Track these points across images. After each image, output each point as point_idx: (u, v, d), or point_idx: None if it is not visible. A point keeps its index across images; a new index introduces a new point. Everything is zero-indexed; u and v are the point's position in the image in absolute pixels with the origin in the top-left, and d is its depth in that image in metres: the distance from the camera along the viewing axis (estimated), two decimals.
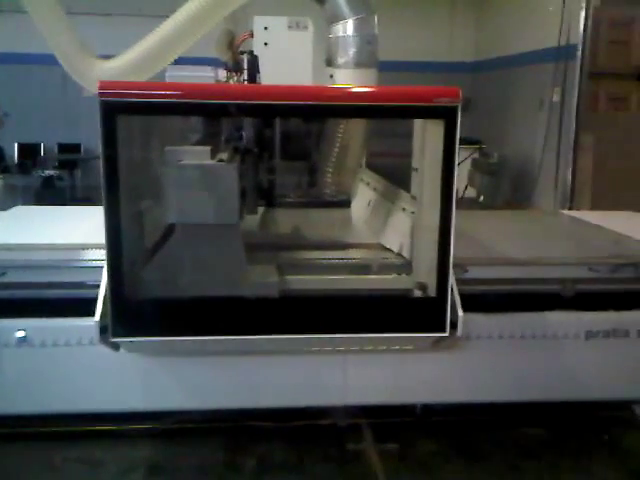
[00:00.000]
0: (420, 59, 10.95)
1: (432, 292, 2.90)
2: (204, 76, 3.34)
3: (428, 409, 3.49)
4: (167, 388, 3.22)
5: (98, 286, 2.82)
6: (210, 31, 3.65)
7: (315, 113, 2.95)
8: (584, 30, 7.91)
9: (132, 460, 3.16)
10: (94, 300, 2.95)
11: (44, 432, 3.28)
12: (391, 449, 3.30)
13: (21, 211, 4.45)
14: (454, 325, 2.86)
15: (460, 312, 2.85)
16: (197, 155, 2.85)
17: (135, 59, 3.40)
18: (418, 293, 3.01)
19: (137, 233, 2.89)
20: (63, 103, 10.48)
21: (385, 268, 3.19)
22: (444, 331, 2.85)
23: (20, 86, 10.54)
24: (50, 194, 10.22)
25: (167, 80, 3.27)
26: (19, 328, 3.09)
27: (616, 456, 3.28)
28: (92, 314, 2.97)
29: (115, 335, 2.70)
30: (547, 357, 3.39)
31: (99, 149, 2.52)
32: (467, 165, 10.07)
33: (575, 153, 8.23)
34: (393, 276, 3.15)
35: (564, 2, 8.22)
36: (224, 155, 2.98)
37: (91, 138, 10.27)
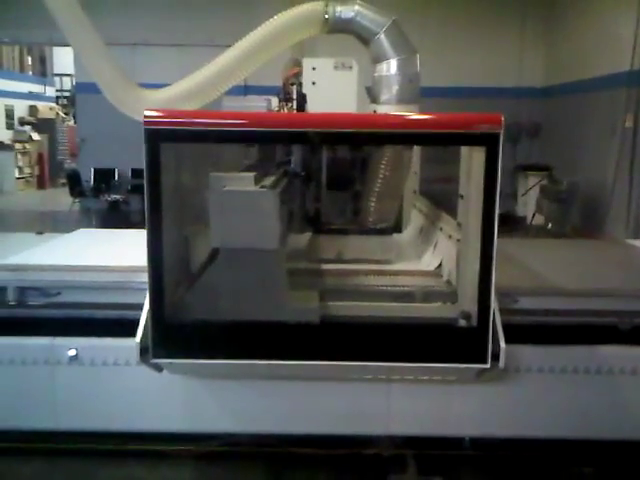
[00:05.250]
0: (489, 85, 10.83)
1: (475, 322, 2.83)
2: (257, 106, 3.45)
3: (475, 443, 3.39)
4: (208, 410, 3.26)
5: None
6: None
7: (360, 140, 2.95)
8: None
9: None
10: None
11: (86, 449, 3.33)
12: None
13: (82, 234, 4.59)
14: (496, 357, 2.78)
15: (502, 343, 2.77)
16: (241, 181, 2.89)
17: (181, 92, 3.47)
18: (462, 322, 2.94)
19: (180, 257, 2.94)
20: (137, 129, 10.61)
21: (430, 296, 3.13)
22: (485, 362, 2.77)
23: (97, 113, 10.77)
24: (116, 217, 10.61)
25: (224, 109, 3.37)
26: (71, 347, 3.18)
27: None
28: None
29: (155, 356, 2.75)
30: (600, 393, 3.26)
31: None
32: (536, 192, 9.87)
33: None
34: (438, 304, 3.09)
35: (638, 24, 8.04)
36: (268, 181, 3.01)
37: None
